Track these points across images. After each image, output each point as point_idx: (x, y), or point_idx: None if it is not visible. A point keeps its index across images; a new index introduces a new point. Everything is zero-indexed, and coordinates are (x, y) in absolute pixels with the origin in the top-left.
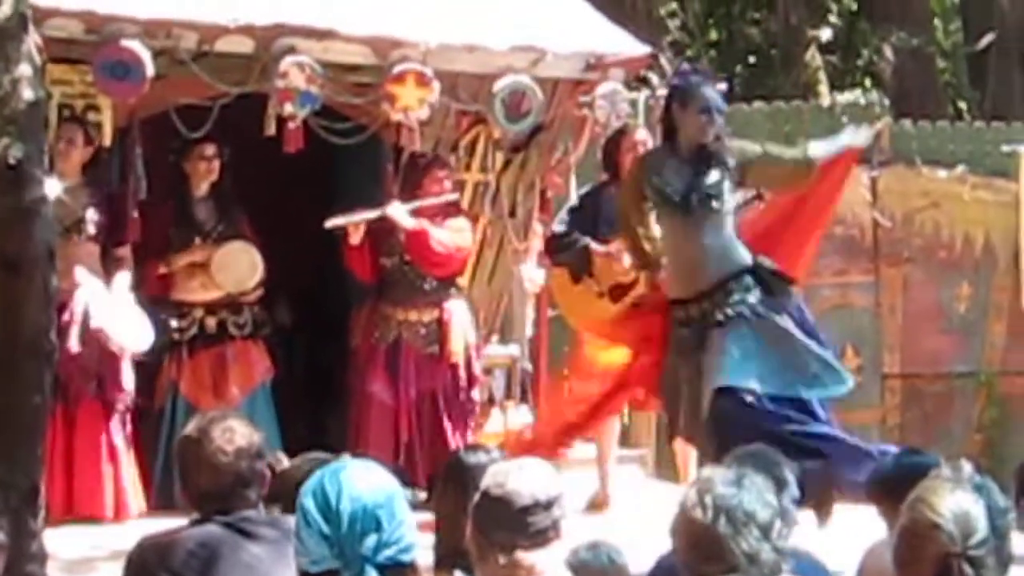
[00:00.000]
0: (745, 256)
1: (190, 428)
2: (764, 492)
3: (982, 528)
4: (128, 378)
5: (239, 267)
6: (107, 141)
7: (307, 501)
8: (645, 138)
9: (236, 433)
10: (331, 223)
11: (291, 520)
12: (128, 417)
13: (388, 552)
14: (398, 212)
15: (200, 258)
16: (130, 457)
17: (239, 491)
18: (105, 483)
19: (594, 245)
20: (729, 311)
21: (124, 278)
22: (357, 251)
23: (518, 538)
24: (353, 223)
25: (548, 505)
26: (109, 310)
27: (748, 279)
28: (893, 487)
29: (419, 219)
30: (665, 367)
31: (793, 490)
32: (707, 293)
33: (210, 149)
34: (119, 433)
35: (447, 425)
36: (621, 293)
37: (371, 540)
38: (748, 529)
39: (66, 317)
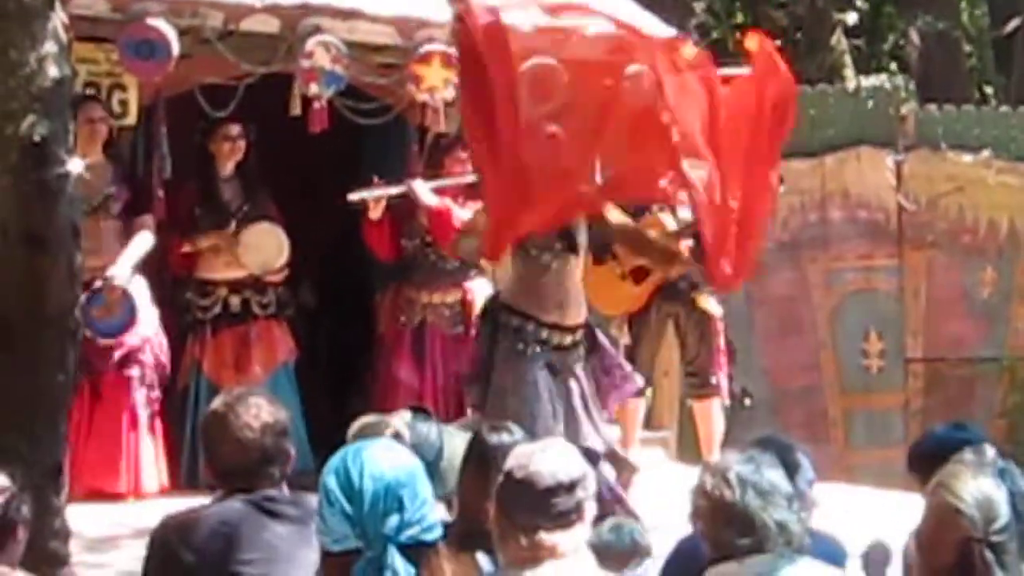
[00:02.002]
0: None
1: (216, 403)
2: (777, 466)
3: (1004, 513)
4: (149, 352)
5: (266, 248)
6: (132, 120)
7: (329, 480)
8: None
9: (263, 409)
10: (353, 196)
11: (314, 499)
12: (153, 393)
13: (410, 531)
14: (421, 188)
15: (225, 242)
16: (152, 434)
17: (264, 468)
18: (123, 459)
19: None
20: (580, 365)
21: (144, 238)
22: (376, 228)
23: (540, 520)
24: (374, 198)
25: (571, 487)
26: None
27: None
28: (932, 461)
29: (441, 198)
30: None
31: (808, 472)
32: (572, 330)
33: (235, 129)
34: (142, 409)
35: None
36: (643, 275)
37: (393, 519)
38: (775, 499)
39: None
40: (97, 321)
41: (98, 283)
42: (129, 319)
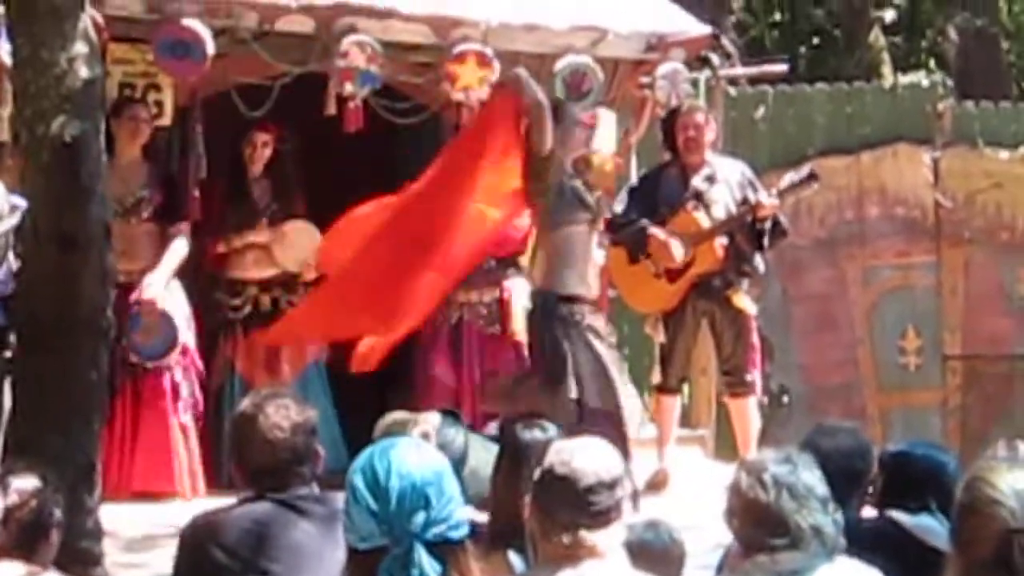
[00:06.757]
0: None
1: (244, 405)
2: (814, 468)
3: None
4: (190, 354)
5: (301, 246)
6: (167, 120)
7: (356, 478)
8: (702, 120)
9: (291, 409)
10: None
11: (339, 497)
12: (196, 394)
13: (437, 529)
14: None
15: (263, 239)
16: (197, 435)
17: (294, 467)
18: (173, 461)
19: (652, 228)
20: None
21: (179, 247)
22: None
23: (582, 517)
24: None
25: (612, 485)
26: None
27: None
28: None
29: None
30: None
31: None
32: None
33: (261, 138)
34: (187, 411)
35: None
36: (677, 273)
37: (420, 517)
38: (810, 502)
39: (134, 296)
40: (140, 345)
41: (135, 307)
42: (171, 341)
